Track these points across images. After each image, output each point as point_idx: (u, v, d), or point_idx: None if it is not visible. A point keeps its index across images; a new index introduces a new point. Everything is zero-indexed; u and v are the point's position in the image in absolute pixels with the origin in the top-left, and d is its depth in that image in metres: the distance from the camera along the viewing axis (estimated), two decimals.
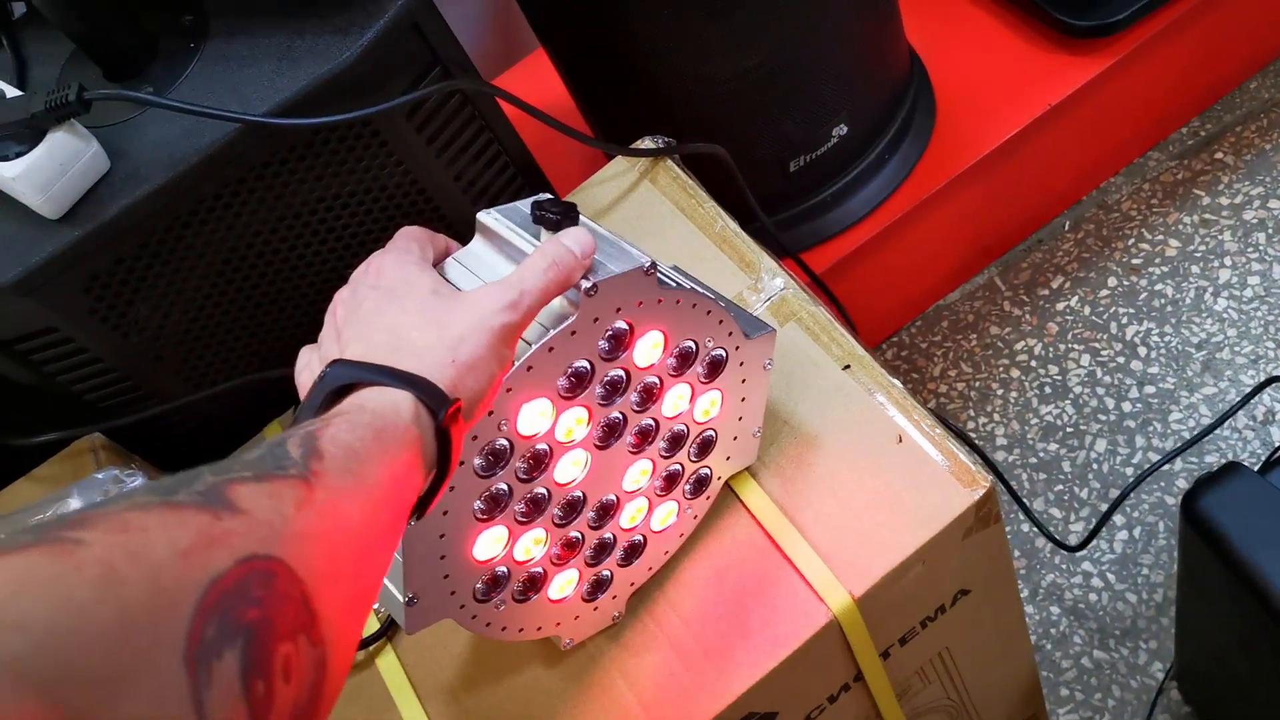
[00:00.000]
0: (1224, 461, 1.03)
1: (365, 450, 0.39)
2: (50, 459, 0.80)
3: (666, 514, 0.65)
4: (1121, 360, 1.28)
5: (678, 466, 0.64)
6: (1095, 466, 1.22)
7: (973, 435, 1.28)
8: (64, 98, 0.63)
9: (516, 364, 0.52)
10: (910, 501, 0.65)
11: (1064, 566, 1.18)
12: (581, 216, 0.57)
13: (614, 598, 0.66)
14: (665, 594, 0.67)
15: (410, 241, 0.56)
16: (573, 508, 0.60)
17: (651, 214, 0.83)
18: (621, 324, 0.55)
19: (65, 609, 0.25)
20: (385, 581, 0.55)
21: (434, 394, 0.44)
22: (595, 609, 0.65)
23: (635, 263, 0.54)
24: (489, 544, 0.57)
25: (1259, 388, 1.06)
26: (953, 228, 1.29)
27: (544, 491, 0.57)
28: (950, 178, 1.21)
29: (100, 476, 0.71)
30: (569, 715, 0.65)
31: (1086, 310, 1.32)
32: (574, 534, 0.61)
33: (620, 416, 0.59)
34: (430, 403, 0.44)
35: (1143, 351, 1.28)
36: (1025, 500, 1.21)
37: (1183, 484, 1.19)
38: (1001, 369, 1.32)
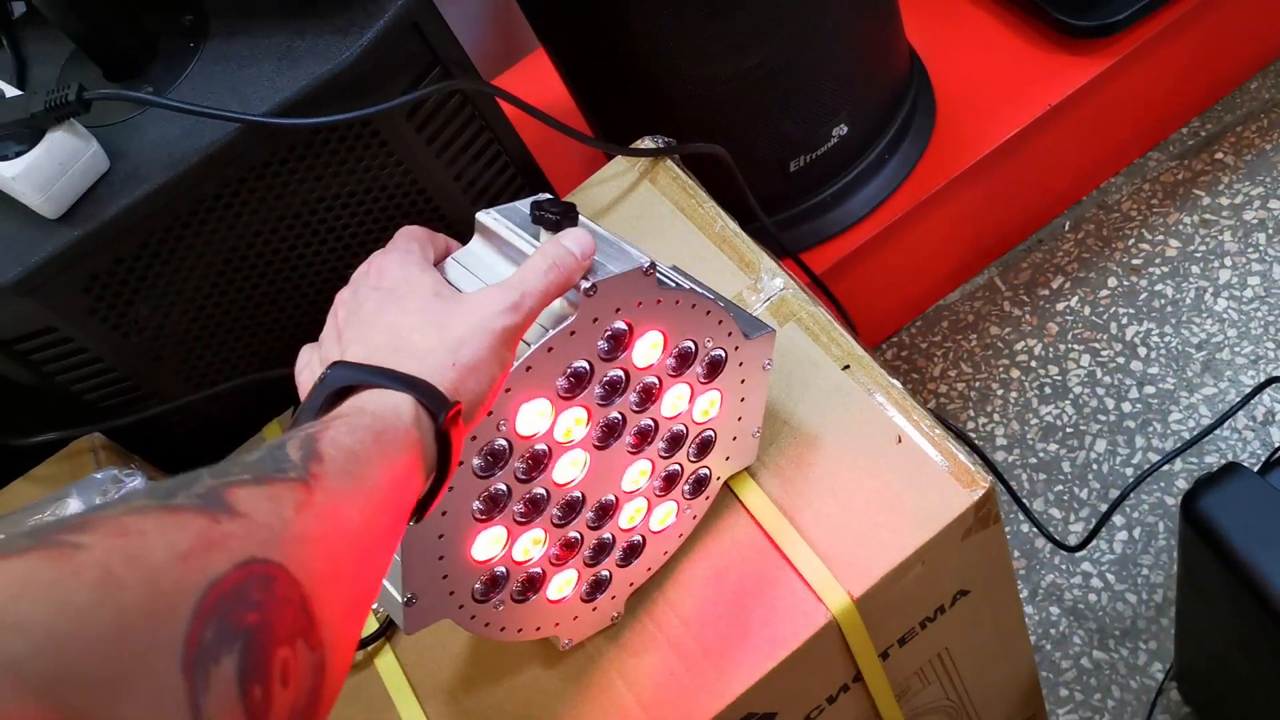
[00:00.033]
0: (1224, 462, 1.03)
1: (365, 453, 0.39)
2: (49, 459, 0.80)
3: (665, 514, 0.65)
4: (1121, 360, 1.28)
5: (677, 467, 0.64)
6: (1095, 467, 1.22)
7: (972, 435, 1.28)
8: (63, 97, 0.63)
9: (515, 364, 0.52)
10: (909, 502, 0.65)
11: (1064, 567, 1.18)
12: (581, 217, 0.57)
13: (613, 598, 0.66)
14: (664, 594, 0.67)
15: (411, 242, 0.55)
16: (572, 508, 0.60)
17: (651, 214, 0.83)
18: (621, 324, 0.55)
19: (64, 613, 0.25)
20: (384, 582, 0.55)
21: (434, 397, 0.44)
22: (594, 609, 0.65)
23: (634, 263, 0.54)
24: (488, 544, 0.57)
25: (1259, 388, 1.06)
26: (953, 228, 1.29)
27: (543, 492, 0.57)
28: (950, 178, 1.21)
29: (99, 476, 0.71)
30: (568, 715, 0.65)
31: (1086, 310, 1.32)
32: (573, 534, 0.61)
33: (619, 417, 0.59)
34: (430, 405, 0.44)
35: (1143, 352, 1.28)
36: (1025, 500, 1.21)
37: (1183, 484, 1.19)
38: (1001, 369, 1.32)
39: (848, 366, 0.71)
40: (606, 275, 0.53)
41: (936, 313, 1.38)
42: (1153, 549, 1.17)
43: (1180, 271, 1.31)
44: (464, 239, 0.61)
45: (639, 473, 0.62)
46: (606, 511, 0.62)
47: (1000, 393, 1.30)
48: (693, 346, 0.59)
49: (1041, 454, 1.25)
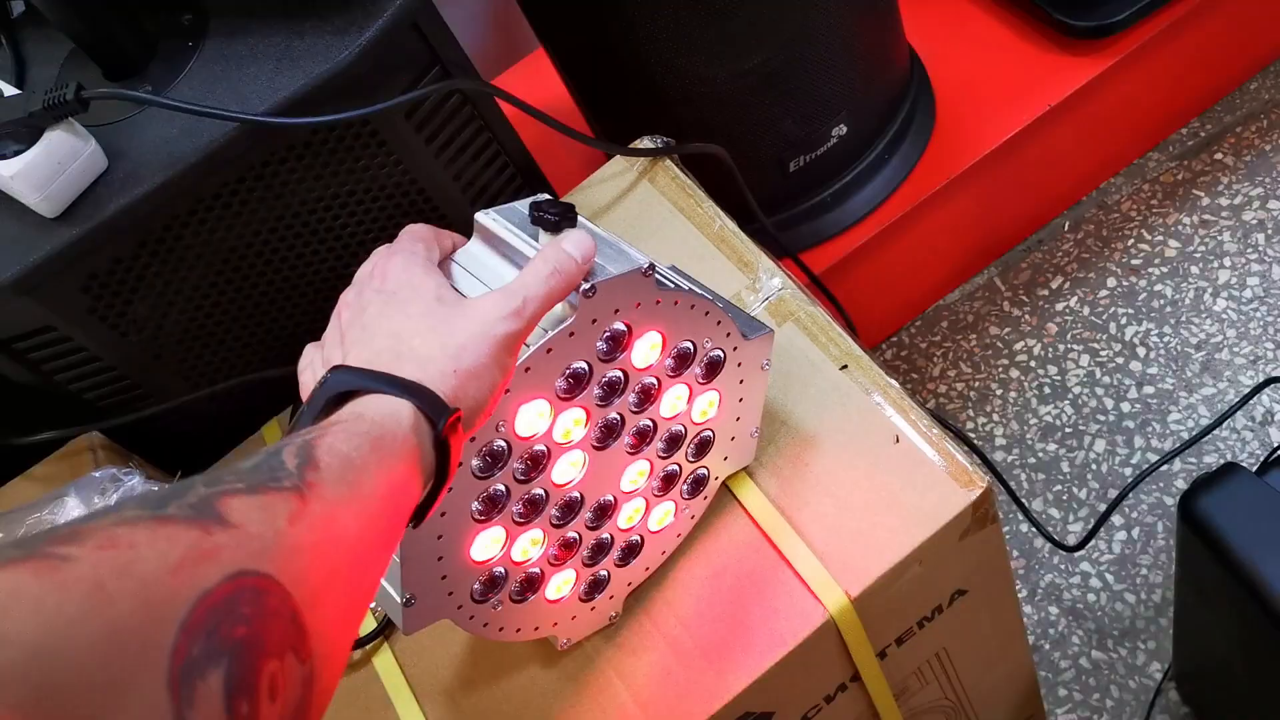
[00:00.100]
0: (1222, 462, 1.03)
1: (362, 460, 0.39)
2: (48, 457, 0.80)
3: (664, 514, 0.65)
4: (1121, 361, 1.28)
5: (675, 467, 0.64)
6: (1094, 467, 1.22)
7: (972, 435, 1.28)
8: (62, 96, 0.63)
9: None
10: (907, 501, 0.65)
11: (1062, 567, 1.18)
12: (580, 218, 0.57)
13: (611, 598, 0.66)
14: (662, 594, 0.67)
15: (417, 243, 0.55)
16: (570, 508, 0.60)
17: (650, 214, 0.83)
18: (620, 325, 0.55)
19: (52, 627, 0.25)
20: (383, 582, 0.55)
21: (434, 403, 0.44)
22: (592, 609, 0.65)
23: (634, 264, 0.54)
24: (487, 545, 0.57)
25: (1258, 388, 1.06)
26: (952, 228, 1.29)
27: (542, 492, 0.58)
28: (950, 178, 1.21)
29: (98, 475, 0.71)
30: (566, 715, 0.65)
31: (1086, 310, 1.32)
32: (571, 534, 0.61)
33: (618, 417, 0.59)
34: (430, 412, 0.44)
35: (1142, 352, 1.28)
36: (1024, 500, 1.21)
37: (1181, 484, 1.19)
38: (1001, 369, 1.32)
39: (845, 366, 0.71)
40: (606, 276, 0.53)
41: (936, 313, 1.38)
42: (1151, 549, 1.17)
43: (1179, 272, 1.31)
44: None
45: (637, 473, 0.62)
46: (605, 512, 0.62)
47: (999, 393, 1.30)
48: (691, 347, 0.59)
49: (1040, 454, 1.25)
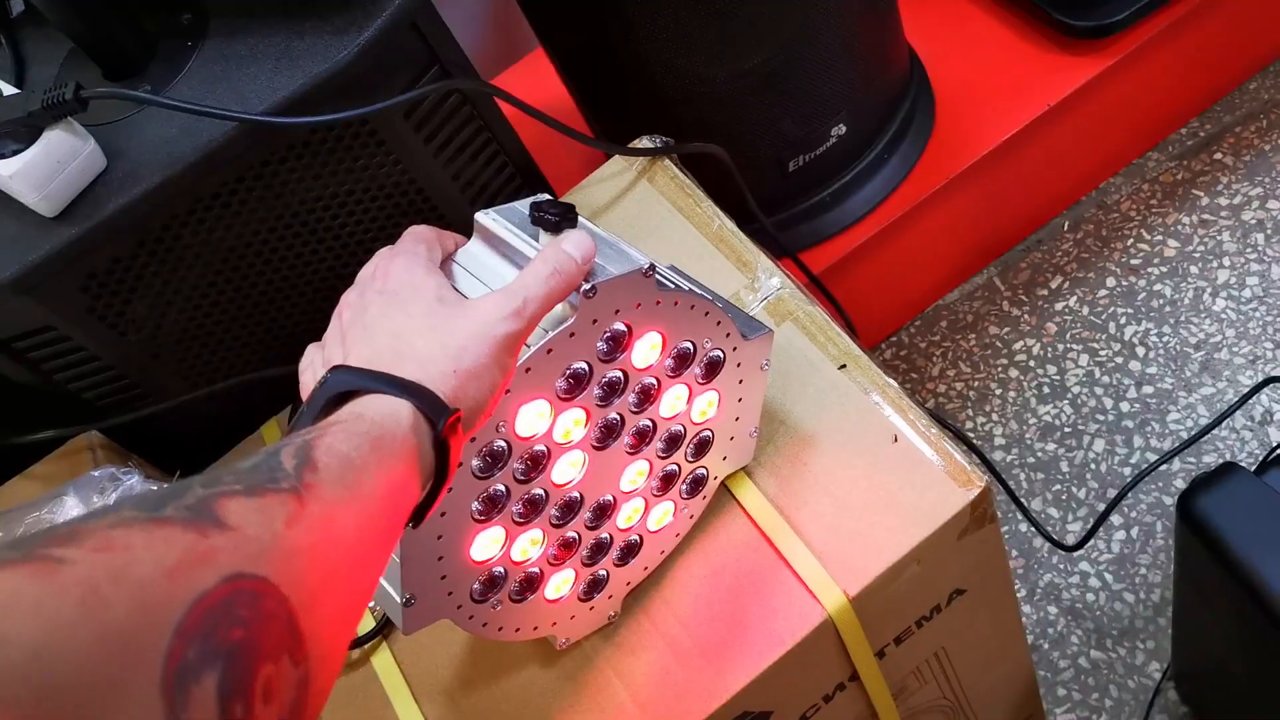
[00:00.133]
0: (1221, 461, 1.03)
1: (361, 460, 0.39)
2: (47, 456, 0.80)
3: (663, 514, 0.65)
4: (1120, 360, 1.28)
5: (674, 467, 0.64)
6: (1093, 466, 1.23)
7: (971, 435, 1.28)
8: (60, 95, 0.63)
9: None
10: (905, 501, 0.65)
11: (1061, 566, 1.18)
12: (580, 218, 0.57)
13: (610, 597, 0.66)
14: (661, 593, 0.67)
15: (419, 244, 0.55)
16: (570, 508, 0.60)
17: (649, 213, 0.83)
18: (620, 325, 0.55)
19: (47, 631, 0.25)
20: (382, 582, 0.55)
21: (434, 404, 0.44)
22: (591, 609, 0.65)
23: (634, 264, 0.54)
24: (486, 544, 0.57)
25: (1257, 388, 1.06)
26: (952, 228, 1.29)
27: (541, 492, 0.58)
28: (949, 178, 1.21)
29: (97, 474, 0.71)
30: (564, 714, 0.65)
31: (1085, 310, 1.32)
32: (571, 534, 0.61)
33: (618, 417, 0.59)
34: (430, 412, 0.44)
35: (1141, 352, 1.28)
36: (1023, 500, 1.21)
37: (1180, 484, 1.19)
38: (1000, 369, 1.32)
39: (844, 366, 0.71)
40: (606, 277, 0.53)
41: (935, 312, 1.38)
42: (1150, 549, 1.17)
43: (1179, 271, 1.31)
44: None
45: (637, 473, 0.62)
46: (604, 511, 0.62)
47: (999, 392, 1.30)
48: (691, 347, 0.59)
49: (1040, 454, 1.25)
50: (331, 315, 0.53)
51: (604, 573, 0.64)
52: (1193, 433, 1.18)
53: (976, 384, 1.32)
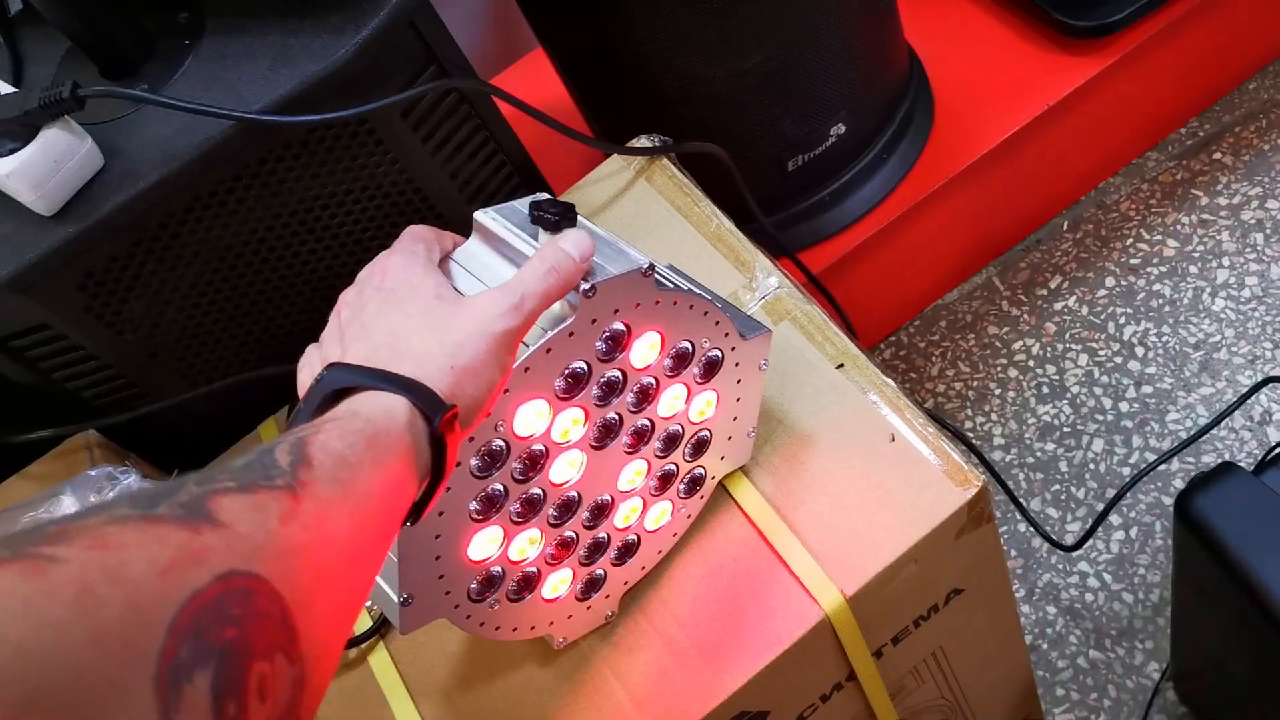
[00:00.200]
0: (1220, 461, 1.03)
1: (356, 458, 0.39)
2: (44, 456, 0.80)
3: (661, 513, 0.65)
4: (1119, 360, 1.28)
5: (672, 466, 0.64)
6: (1092, 466, 1.22)
7: (970, 435, 1.28)
8: (58, 94, 0.63)
9: (514, 365, 0.52)
10: (903, 500, 0.65)
11: (1060, 566, 1.18)
12: (579, 217, 0.57)
13: (607, 597, 0.66)
14: (659, 593, 0.67)
15: (417, 242, 0.55)
16: (568, 508, 0.60)
17: (647, 213, 0.83)
18: (619, 325, 0.55)
19: (39, 630, 0.25)
20: (379, 581, 0.55)
21: (430, 400, 0.44)
22: (589, 608, 0.65)
23: (633, 264, 0.54)
24: (484, 544, 0.57)
25: (1256, 388, 1.06)
26: (951, 227, 1.29)
27: (539, 492, 0.57)
28: (948, 177, 1.21)
29: (94, 473, 0.71)
30: (562, 713, 0.65)
31: (1084, 310, 1.32)
32: (569, 534, 0.61)
33: (616, 417, 0.59)
34: (426, 408, 0.44)
35: (1140, 351, 1.28)
36: (1022, 500, 1.21)
37: (1179, 484, 1.19)
38: (999, 369, 1.32)
39: (842, 365, 0.71)
40: (605, 276, 0.53)
41: (934, 312, 1.38)
42: (1149, 549, 1.17)
43: (1178, 271, 1.31)
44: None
45: (635, 472, 0.62)
46: (602, 511, 0.62)
47: (998, 392, 1.30)
48: (690, 347, 0.59)
49: (1039, 453, 1.25)
50: (329, 314, 0.53)
51: (601, 572, 0.64)
52: (1192, 433, 1.18)
53: (975, 384, 1.32)
